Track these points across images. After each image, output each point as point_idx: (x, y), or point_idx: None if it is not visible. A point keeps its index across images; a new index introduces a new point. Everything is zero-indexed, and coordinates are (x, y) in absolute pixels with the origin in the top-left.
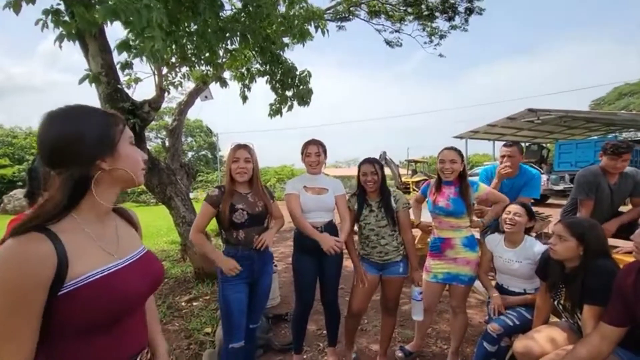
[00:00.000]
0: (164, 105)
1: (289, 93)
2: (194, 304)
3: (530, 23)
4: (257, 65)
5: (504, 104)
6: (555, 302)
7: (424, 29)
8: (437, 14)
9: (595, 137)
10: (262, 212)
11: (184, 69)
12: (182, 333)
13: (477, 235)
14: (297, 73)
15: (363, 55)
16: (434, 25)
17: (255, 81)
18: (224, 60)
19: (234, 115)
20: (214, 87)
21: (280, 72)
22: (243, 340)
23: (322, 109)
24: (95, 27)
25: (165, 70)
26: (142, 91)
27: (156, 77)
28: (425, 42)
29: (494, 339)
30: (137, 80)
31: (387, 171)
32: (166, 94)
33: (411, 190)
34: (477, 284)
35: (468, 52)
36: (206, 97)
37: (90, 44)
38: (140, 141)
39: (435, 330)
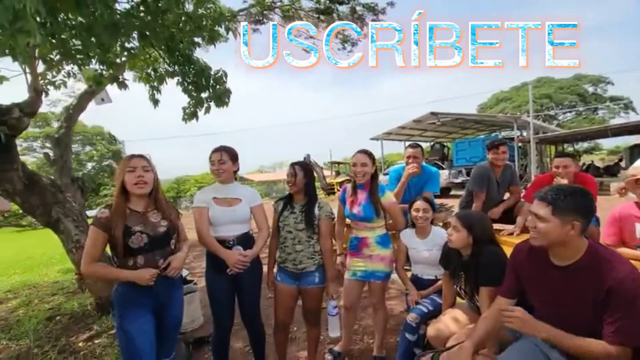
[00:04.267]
0: (46, 109)
1: (204, 95)
2: (96, 341)
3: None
4: (166, 66)
5: (413, 109)
6: (457, 288)
7: (336, 36)
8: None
9: (483, 136)
10: (167, 232)
11: (70, 67)
12: None
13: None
14: (212, 73)
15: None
16: (345, 33)
17: (166, 83)
18: (122, 59)
19: (143, 120)
20: (113, 89)
21: (192, 72)
22: None
23: (244, 113)
24: None
25: (41, 67)
26: (11, 92)
27: (28, 75)
28: (339, 49)
29: (413, 328)
30: (1, 79)
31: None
32: (44, 95)
33: (335, 190)
34: (396, 276)
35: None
36: (102, 100)
37: None
38: (9, 154)
39: (362, 326)
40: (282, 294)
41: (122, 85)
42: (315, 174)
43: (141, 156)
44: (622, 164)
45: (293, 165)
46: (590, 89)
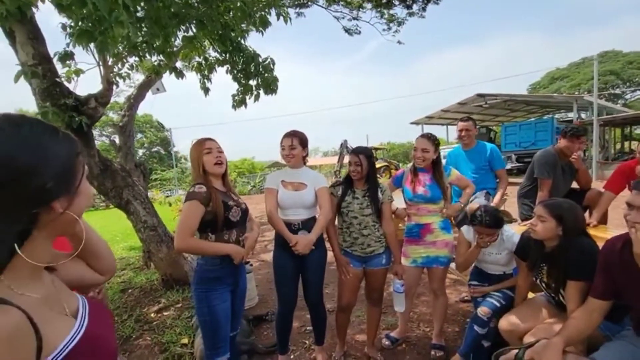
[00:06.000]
0: (112, 99)
1: (252, 82)
2: (165, 313)
3: (474, 14)
4: (216, 54)
5: (454, 90)
6: (538, 280)
7: (382, 16)
8: (395, 1)
9: (534, 119)
10: (246, 209)
11: (132, 59)
12: (155, 347)
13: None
14: (260, 60)
15: (321, 44)
16: (391, 12)
17: (216, 71)
18: (176, 49)
19: (184, 108)
20: (167, 78)
21: (242, 60)
22: (228, 352)
23: (279, 100)
24: (28, 7)
25: (111, 60)
26: (84, 85)
27: (101, 68)
28: (383, 30)
29: (484, 322)
30: (78, 72)
31: (348, 159)
32: (115, 87)
33: None
34: (452, 264)
35: (420, 40)
36: (158, 89)
37: (17, 30)
38: (88, 141)
39: (417, 314)
40: (350, 276)
41: (180, 74)
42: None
43: (212, 139)
44: None
45: (357, 154)
46: None
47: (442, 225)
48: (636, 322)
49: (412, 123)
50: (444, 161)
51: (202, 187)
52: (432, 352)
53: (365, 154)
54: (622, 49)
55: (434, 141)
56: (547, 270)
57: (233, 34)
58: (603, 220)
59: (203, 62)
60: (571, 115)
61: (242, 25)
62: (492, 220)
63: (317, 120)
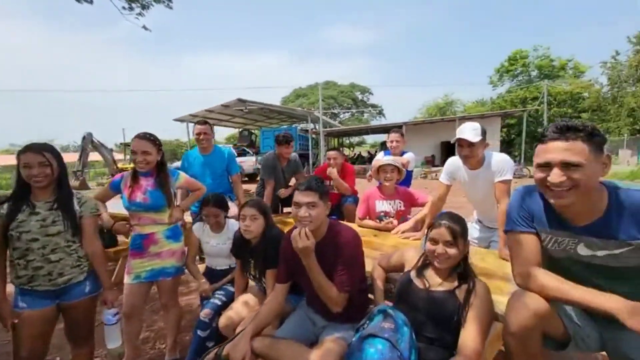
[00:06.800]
0: None
1: None
2: None
3: (246, 24)
4: None
5: (222, 92)
6: (247, 273)
7: None
8: None
9: (285, 126)
10: None
11: None
12: None
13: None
14: None
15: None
16: None
17: None
18: None
19: None
20: None
21: None
22: None
23: None
24: None
25: None
26: None
27: None
28: (124, 8)
29: (206, 323)
30: None
31: (97, 156)
32: None
33: None
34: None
35: (190, 38)
36: None
37: None
38: None
39: (153, 332)
40: (31, 323)
41: None
42: (102, 157)
43: None
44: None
45: (40, 150)
46: (360, 96)
47: (167, 234)
48: (306, 295)
49: (175, 120)
50: (178, 164)
51: None
52: None
53: (53, 152)
54: (337, 82)
55: (155, 142)
56: (253, 263)
57: None
58: None
59: None
60: (310, 125)
61: None
62: (217, 201)
63: (54, 104)
